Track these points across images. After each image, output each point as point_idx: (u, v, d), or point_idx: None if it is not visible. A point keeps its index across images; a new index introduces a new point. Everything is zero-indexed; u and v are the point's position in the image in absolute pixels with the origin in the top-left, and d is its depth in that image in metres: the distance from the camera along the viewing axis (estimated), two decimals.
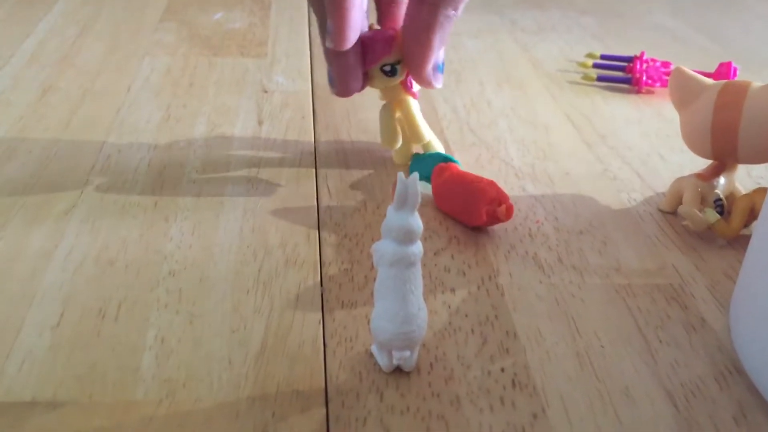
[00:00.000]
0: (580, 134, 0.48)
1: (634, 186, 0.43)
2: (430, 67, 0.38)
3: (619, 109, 0.52)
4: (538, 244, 0.37)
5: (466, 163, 0.44)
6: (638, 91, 0.54)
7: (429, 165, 0.41)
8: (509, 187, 0.42)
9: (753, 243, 0.31)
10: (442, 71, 0.39)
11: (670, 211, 0.40)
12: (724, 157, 0.38)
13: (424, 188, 0.40)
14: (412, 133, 0.41)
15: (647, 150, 0.47)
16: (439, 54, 0.38)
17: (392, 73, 0.39)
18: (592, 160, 0.45)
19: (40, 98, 0.48)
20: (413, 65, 0.38)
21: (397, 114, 0.41)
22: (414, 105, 0.41)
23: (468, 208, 0.37)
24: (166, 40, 0.59)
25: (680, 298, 0.34)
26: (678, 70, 0.40)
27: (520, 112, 0.51)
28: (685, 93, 0.39)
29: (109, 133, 0.45)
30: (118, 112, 0.47)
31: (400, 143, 0.42)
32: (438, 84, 0.39)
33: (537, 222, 0.39)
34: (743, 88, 0.37)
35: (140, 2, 0.67)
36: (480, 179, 0.37)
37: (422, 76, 0.38)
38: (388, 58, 0.38)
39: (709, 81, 0.39)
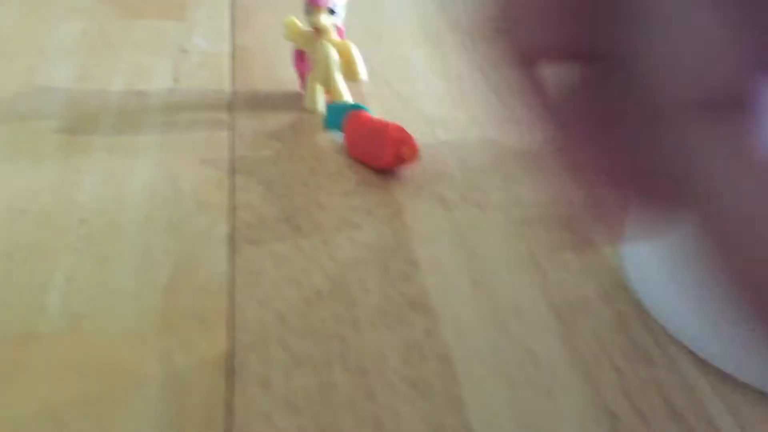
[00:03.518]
0: (489, 84, 0.50)
1: (537, 128, 0.45)
2: None
3: None
4: (444, 184, 0.39)
5: (379, 113, 0.45)
6: None
7: (341, 114, 0.42)
8: (420, 133, 0.43)
9: None
10: (338, 14, 0.42)
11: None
12: None
13: (336, 137, 0.42)
14: (349, 72, 0.43)
15: None
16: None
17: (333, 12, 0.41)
18: (500, 105, 0.47)
19: None
20: None
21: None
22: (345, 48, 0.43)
23: (375, 151, 0.38)
24: (83, 5, 0.59)
25: (572, 225, 0.36)
26: None
27: (436, 66, 0.52)
28: None
29: (21, 91, 0.45)
30: (31, 72, 0.47)
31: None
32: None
33: (444, 164, 0.40)
34: None
35: None
36: (386, 123, 0.39)
37: None
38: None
39: None
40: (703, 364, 0.28)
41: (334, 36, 0.43)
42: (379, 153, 0.38)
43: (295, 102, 0.45)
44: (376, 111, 0.45)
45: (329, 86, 0.43)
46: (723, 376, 0.28)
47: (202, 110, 0.44)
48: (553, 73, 0.18)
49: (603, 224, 0.20)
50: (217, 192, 0.37)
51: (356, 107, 0.42)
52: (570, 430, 0.26)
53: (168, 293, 0.30)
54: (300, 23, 0.43)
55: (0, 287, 0.30)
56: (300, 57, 0.45)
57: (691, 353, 0.29)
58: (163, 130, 0.42)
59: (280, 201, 0.37)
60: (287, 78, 0.49)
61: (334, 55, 0.42)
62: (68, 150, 0.39)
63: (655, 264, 0.31)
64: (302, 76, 0.45)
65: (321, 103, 0.44)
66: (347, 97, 0.44)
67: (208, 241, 0.33)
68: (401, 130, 0.38)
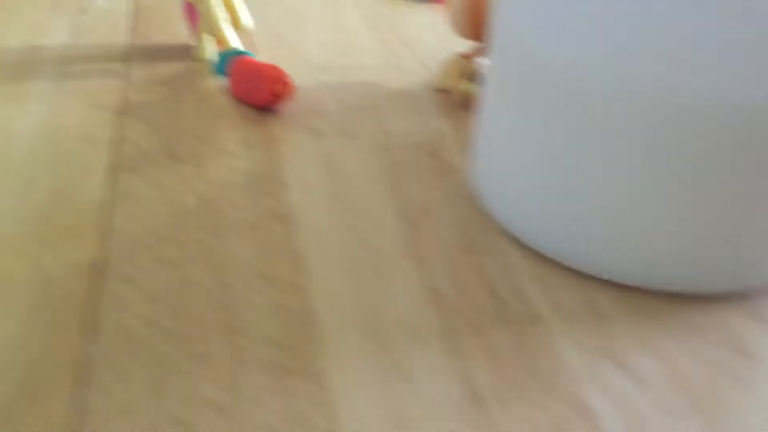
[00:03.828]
0: (379, 36, 0.53)
1: (418, 72, 0.48)
2: None
3: (421, 17, 0.57)
4: (321, 120, 0.42)
5: (268, 61, 0.48)
6: (439, 2, 0.60)
7: (227, 60, 0.45)
8: (303, 77, 0.46)
9: (483, 90, 0.37)
10: None
11: (440, 88, 0.46)
12: (480, 37, 0.44)
13: (224, 81, 0.45)
14: (233, 20, 0.46)
15: (437, 46, 0.53)
16: None
17: None
18: (385, 53, 0.51)
19: None
20: None
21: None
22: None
23: (253, 90, 0.41)
24: None
25: (435, 152, 0.40)
26: None
27: (328, 19, 0.55)
28: None
29: None
30: None
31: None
32: None
33: (323, 102, 0.44)
34: None
35: None
36: (265, 64, 0.42)
37: None
38: None
39: None
40: (525, 253, 0.32)
41: None
42: (256, 91, 0.41)
43: (188, 53, 0.48)
44: (264, 59, 0.48)
45: (216, 36, 0.46)
46: (540, 261, 0.32)
47: (97, 62, 0.47)
48: None
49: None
50: (103, 129, 0.39)
51: (242, 53, 0.45)
52: (401, 306, 0.29)
53: (47, 211, 0.33)
54: None
55: None
56: (190, 9, 0.47)
57: (519, 244, 0.33)
58: (56, 79, 0.44)
59: (163, 136, 0.39)
60: (183, 32, 0.51)
61: (216, 4, 0.45)
62: None
63: (496, 169, 0.34)
64: (193, 27, 0.47)
65: (210, 51, 0.47)
66: (236, 45, 0.46)
67: (89, 170, 0.36)
68: (276, 68, 0.41)
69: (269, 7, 0.57)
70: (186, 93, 0.44)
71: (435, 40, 0.53)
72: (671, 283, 0.30)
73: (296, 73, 0.47)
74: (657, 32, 0.26)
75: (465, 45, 0.52)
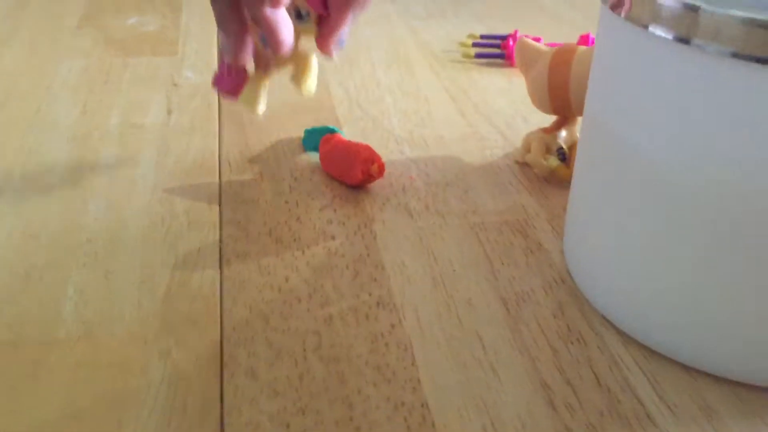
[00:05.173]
0: (455, 104, 0.55)
1: (497, 144, 0.50)
2: (337, 37, 0.41)
3: (493, 82, 0.59)
4: (409, 197, 0.44)
5: (352, 134, 0.50)
6: (511, 65, 0.61)
7: (317, 137, 0.47)
8: (389, 151, 0.48)
9: (574, 175, 0.38)
10: (342, 46, 0.42)
11: (523, 161, 0.47)
12: (562, 112, 0.45)
13: (313, 158, 0.47)
14: (302, 78, 0.43)
15: (512, 114, 0.54)
16: (346, 30, 0.41)
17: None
18: (463, 125, 0.52)
19: None
20: (323, 31, 0.41)
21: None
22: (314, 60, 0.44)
23: (346, 170, 0.43)
24: (83, 45, 0.64)
25: (524, 230, 0.41)
26: (520, 41, 0.47)
27: (405, 88, 0.57)
28: (526, 60, 0.46)
29: (31, 127, 0.50)
30: (38, 110, 0.52)
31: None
32: (335, 55, 0.42)
33: (410, 178, 0.45)
34: (570, 53, 0.44)
35: (58, 11, 0.71)
36: (356, 144, 0.43)
37: (327, 43, 0.41)
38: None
39: (546, 48, 0.46)
40: (629, 343, 0.33)
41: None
42: (350, 172, 0.43)
43: (276, 123, 0.50)
44: (349, 132, 0.50)
45: (300, 86, 0.43)
46: (646, 353, 0.32)
47: (193, 138, 0.49)
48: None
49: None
50: (207, 212, 0.41)
51: (330, 130, 0.47)
52: (510, 401, 0.30)
53: (165, 300, 0.35)
54: None
55: (21, 301, 0.34)
56: (255, 53, 0.42)
57: (619, 333, 0.34)
58: (158, 157, 0.47)
59: (263, 217, 0.41)
60: (271, 104, 0.53)
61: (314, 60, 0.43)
62: (74, 179, 0.44)
63: (589, 256, 0.35)
64: (249, 74, 0.43)
65: (263, 105, 0.44)
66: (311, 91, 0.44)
67: (199, 254, 0.38)
68: (369, 149, 0.43)
69: (347, 75, 0.59)
70: (279, 170, 0.46)
71: (510, 108, 0.55)
72: None
73: (381, 146, 0.48)
74: (752, 138, 0.27)
75: (536, 110, 0.53)
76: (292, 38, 0.39)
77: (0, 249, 0.38)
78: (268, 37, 0.38)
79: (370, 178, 0.43)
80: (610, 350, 0.33)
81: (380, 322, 0.34)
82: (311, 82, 0.43)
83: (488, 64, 0.62)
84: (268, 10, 0.37)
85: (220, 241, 0.39)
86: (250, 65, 0.41)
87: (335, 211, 0.42)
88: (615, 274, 0.33)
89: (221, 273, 0.37)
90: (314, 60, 0.43)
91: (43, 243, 0.38)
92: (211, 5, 0.38)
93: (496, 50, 0.63)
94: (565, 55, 0.44)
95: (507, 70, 0.61)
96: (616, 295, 0.34)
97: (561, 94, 0.44)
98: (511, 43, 0.62)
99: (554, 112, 0.46)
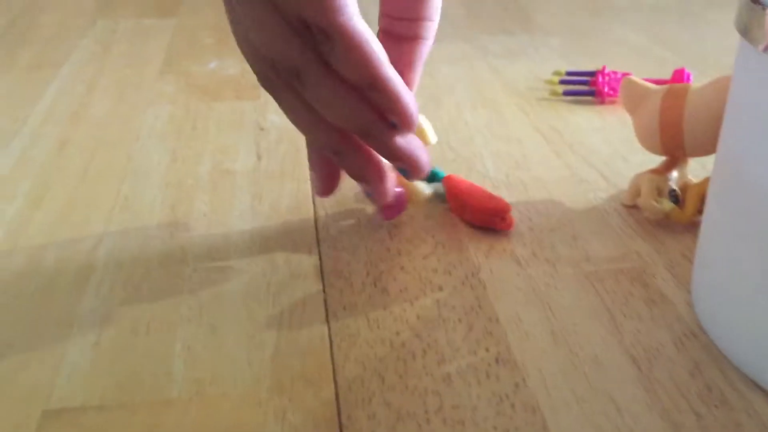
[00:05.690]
0: (549, 144, 0.53)
1: (599, 186, 0.47)
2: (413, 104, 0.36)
3: (585, 120, 0.57)
4: (515, 243, 0.42)
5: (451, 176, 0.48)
6: (601, 102, 0.59)
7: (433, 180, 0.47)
8: None
9: (705, 220, 0.36)
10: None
11: (631, 204, 0.45)
12: (673, 152, 0.43)
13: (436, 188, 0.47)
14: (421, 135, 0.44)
15: (610, 153, 0.52)
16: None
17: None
18: (560, 166, 0.50)
19: (58, 152, 0.53)
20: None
21: None
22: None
23: (483, 217, 0.43)
24: (167, 91, 0.64)
25: (642, 278, 0.39)
26: (627, 79, 0.45)
27: (494, 128, 0.56)
28: (634, 99, 0.44)
29: (124, 177, 0.50)
30: (130, 158, 0.52)
31: None
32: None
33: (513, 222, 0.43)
34: (684, 91, 0.42)
35: (140, 58, 0.72)
36: (490, 194, 0.43)
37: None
38: None
39: (654, 87, 0.44)
40: None
41: None
42: (488, 220, 0.42)
43: None
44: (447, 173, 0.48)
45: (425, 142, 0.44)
46: None
47: (285, 183, 0.48)
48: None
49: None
50: (308, 260, 0.40)
51: (434, 173, 0.46)
52: None
53: (275, 357, 0.33)
54: None
55: (131, 358, 0.33)
56: None
57: (766, 393, 0.31)
58: (252, 205, 0.46)
59: (366, 266, 0.40)
60: None
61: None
62: (170, 228, 0.43)
63: (727, 309, 0.33)
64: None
65: (427, 194, 0.45)
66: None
67: (304, 306, 0.37)
68: (504, 201, 0.43)
69: (434, 118, 0.58)
70: (376, 216, 0.44)
71: (607, 147, 0.52)
72: None
73: None
74: None
75: (634, 149, 0.51)
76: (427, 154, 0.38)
77: (104, 303, 0.37)
78: (408, 167, 0.38)
79: (501, 227, 0.42)
80: (760, 415, 0.30)
81: (502, 381, 0.32)
82: (431, 135, 0.45)
83: (577, 102, 0.60)
84: (399, 139, 0.36)
85: (324, 292, 0.38)
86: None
87: (439, 259, 0.40)
88: (759, 329, 0.31)
89: (329, 327, 0.35)
90: (424, 119, 0.45)
91: (145, 295, 0.38)
92: (339, 162, 0.38)
93: (584, 87, 0.61)
94: (677, 94, 0.42)
95: (598, 108, 0.59)
96: (763, 352, 0.31)
97: (673, 133, 0.42)
98: (600, 79, 0.60)
99: (665, 152, 0.43)
